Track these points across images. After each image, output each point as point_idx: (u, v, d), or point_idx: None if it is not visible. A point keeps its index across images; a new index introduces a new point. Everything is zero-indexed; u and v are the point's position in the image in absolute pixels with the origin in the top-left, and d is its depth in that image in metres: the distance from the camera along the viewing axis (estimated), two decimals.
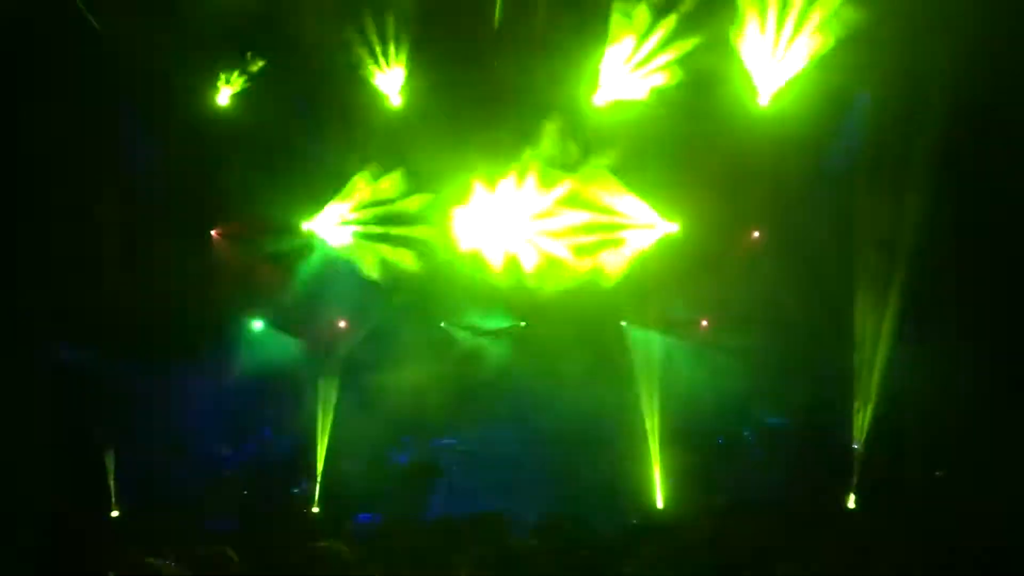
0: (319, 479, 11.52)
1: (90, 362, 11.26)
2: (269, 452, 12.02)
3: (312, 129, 11.58)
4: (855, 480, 11.07)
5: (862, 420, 10.99)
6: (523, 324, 13.00)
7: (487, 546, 5.84)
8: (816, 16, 9.99)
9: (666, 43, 10.42)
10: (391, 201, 12.03)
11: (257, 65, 11.02)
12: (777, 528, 8.12)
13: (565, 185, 11.76)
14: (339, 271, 12.38)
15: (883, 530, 7.64)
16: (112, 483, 10.87)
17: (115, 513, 10.71)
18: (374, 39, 10.90)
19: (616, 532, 8.90)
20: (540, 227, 12.09)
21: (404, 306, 12.19)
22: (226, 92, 11.09)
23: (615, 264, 11.93)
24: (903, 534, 6.68)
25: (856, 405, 11.01)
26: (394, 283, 11.94)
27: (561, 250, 12.04)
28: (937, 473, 10.54)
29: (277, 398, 12.28)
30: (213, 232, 12.50)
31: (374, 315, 12.29)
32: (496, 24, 10.72)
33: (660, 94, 10.61)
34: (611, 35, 10.53)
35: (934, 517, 9.64)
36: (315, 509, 11.21)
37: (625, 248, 12.10)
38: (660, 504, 11.36)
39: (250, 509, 11.12)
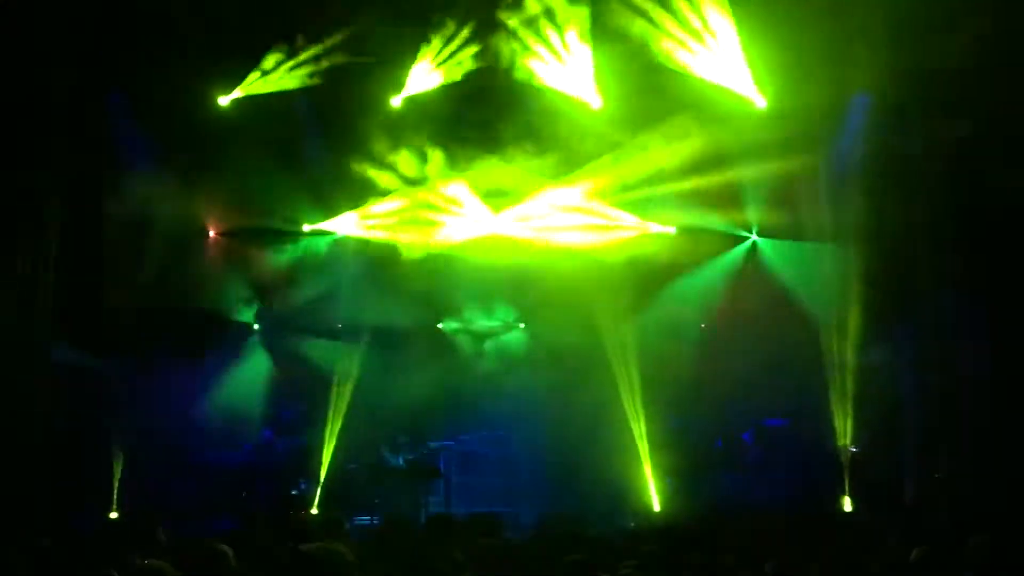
0: (322, 481, 11.51)
1: (89, 362, 11.30)
2: (268, 453, 12.03)
3: (314, 128, 11.59)
4: (849, 482, 11.11)
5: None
6: (521, 326, 13.05)
7: (485, 547, 5.85)
8: None
9: None
10: (391, 200, 12.05)
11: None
12: (774, 531, 8.14)
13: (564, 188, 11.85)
14: (338, 272, 12.43)
15: (879, 532, 7.64)
16: (116, 486, 10.86)
17: (114, 515, 10.69)
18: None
19: (614, 534, 8.91)
20: (539, 225, 12.17)
21: (405, 306, 12.23)
22: (236, 93, 11.08)
23: (612, 266, 12.01)
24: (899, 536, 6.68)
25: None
26: (395, 283, 11.98)
27: (559, 245, 12.16)
28: (936, 476, 10.53)
29: (278, 399, 12.30)
30: (211, 232, 12.51)
31: (372, 316, 12.30)
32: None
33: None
34: None
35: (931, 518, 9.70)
36: (314, 511, 11.16)
37: (622, 250, 12.19)
38: (657, 507, 11.34)
39: (249, 510, 11.10)
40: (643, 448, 11.58)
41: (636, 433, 11.57)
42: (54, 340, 10.38)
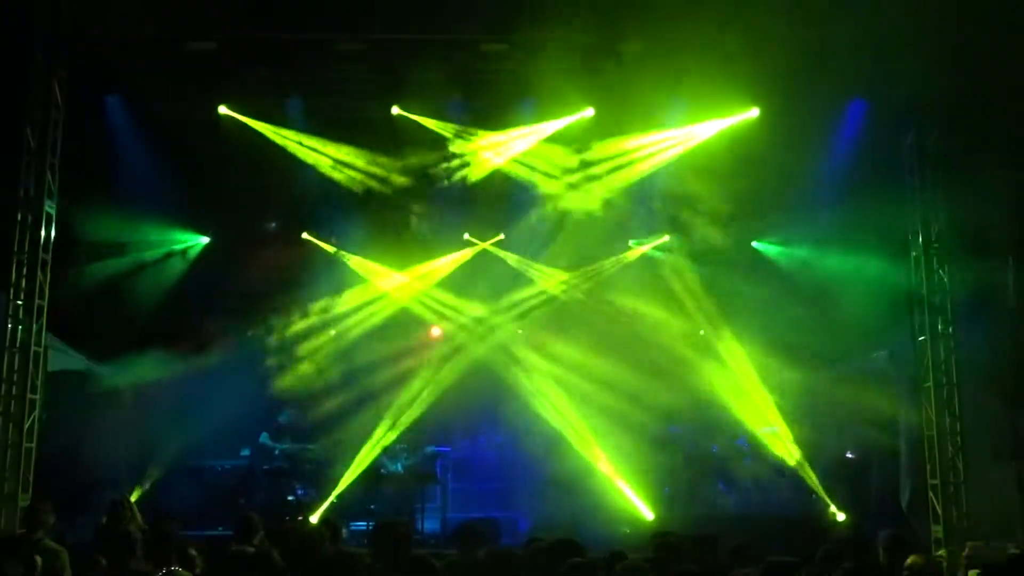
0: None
1: (88, 367, 11.31)
2: (265, 458, 12.05)
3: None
4: (845, 489, 11.19)
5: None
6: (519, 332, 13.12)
7: (480, 552, 5.87)
8: None
9: None
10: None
11: None
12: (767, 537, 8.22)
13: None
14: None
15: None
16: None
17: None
18: None
19: (608, 539, 8.98)
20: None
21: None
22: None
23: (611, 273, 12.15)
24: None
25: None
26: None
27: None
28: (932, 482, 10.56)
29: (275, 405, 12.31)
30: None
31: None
32: None
33: None
34: None
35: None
36: (313, 518, 11.11)
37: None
38: (650, 515, 11.37)
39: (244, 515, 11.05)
40: (638, 456, 11.65)
41: (634, 439, 11.63)
42: (51, 345, 10.38)
